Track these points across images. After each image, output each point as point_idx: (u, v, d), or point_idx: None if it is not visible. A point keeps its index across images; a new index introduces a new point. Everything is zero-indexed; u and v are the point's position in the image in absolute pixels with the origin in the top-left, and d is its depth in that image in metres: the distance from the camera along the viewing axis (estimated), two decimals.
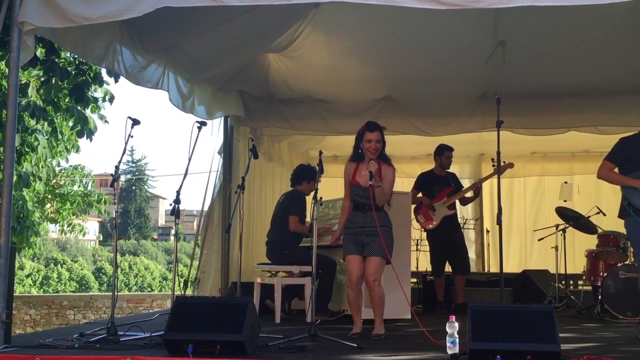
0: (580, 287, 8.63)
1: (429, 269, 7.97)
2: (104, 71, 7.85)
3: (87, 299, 15.08)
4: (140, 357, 3.88)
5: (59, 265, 32.47)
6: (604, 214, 7.67)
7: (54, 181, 12.88)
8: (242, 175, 5.76)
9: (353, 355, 4.16)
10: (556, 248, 7.70)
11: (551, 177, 10.79)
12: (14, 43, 4.53)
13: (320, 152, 5.32)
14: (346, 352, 4.28)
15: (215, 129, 7.93)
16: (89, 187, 13.26)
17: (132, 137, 5.00)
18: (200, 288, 7.63)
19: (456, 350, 4.02)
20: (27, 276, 30.05)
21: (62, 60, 8.00)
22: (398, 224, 5.52)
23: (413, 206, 7.35)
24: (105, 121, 10.61)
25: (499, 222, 5.10)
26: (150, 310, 13.40)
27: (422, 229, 7.91)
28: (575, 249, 8.70)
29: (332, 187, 7.30)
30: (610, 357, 3.95)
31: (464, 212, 9.86)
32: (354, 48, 7.08)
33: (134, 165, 55.53)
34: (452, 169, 8.00)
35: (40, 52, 7.12)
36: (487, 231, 10.42)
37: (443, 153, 7.72)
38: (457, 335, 4.04)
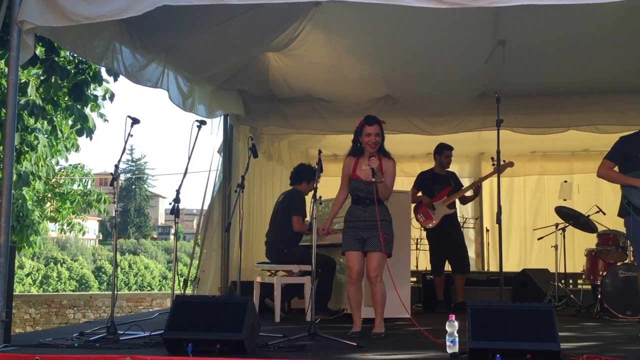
0: (579, 286, 8.63)
1: (429, 268, 7.97)
2: (103, 70, 7.85)
3: (86, 298, 15.07)
4: (140, 356, 3.88)
5: (58, 265, 32.47)
6: (604, 213, 7.67)
7: (53, 180, 12.88)
8: (242, 174, 5.75)
9: (353, 354, 4.16)
10: (556, 247, 7.71)
11: (551, 176, 10.79)
12: (13, 42, 4.53)
13: (320, 151, 5.32)
14: (346, 351, 4.28)
15: (215, 128, 7.95)
16: (89, 186, 13.26)
17: (131, 136, 5.00)
18: (200, 287, 7.63)
19: (456, 349, 4.02)
20: (27, 275, 30.05)
21: (62, 59, 8.00)
22: (398, 223, 5.52)
23: (413, 205, 7.35)
24: (105, 120, 10.62)
25: (499, 221, 5.10)
26: (150, 310, 13.39)
27: (422, 228, 7.91)
28: (575, 248, 8.72)
29: (331, 186, 7.26)
30: (610, 356, 3.95)
31: (464, 211, 9.87)
32: (353, 47, 7.07)
33: (133, 164, 55.52)
34: (452, 168, 8.00)
35: (39, 51, 7.12)
36: (487, 230, 10.43)
37: (443, 152, 7.73)
38: (456, 334, 4.04)
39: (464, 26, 6.25)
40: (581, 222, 7.77)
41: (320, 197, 5.23)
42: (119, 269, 31.03)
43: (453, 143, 7.83)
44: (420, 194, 7.72)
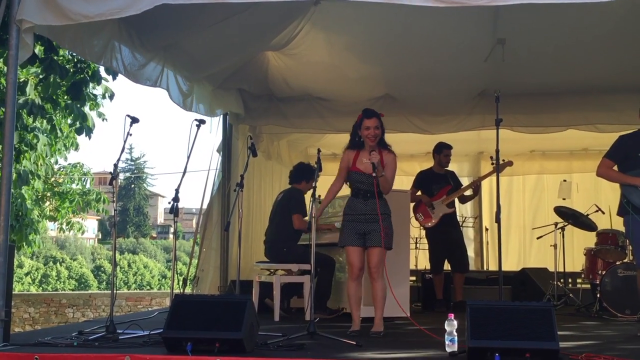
0: (579, 285, 8.64)
1: (428, 267, 7.98)
2: (102, 68, 7.85)
3: (86, 297, 15.08)
4: (139, 355, 3.88)
5: (58, 264, 32.46)
6: (603, 212, 7.68)
7: (52, 179, 12.87)
8: (241, 173, 5.75)
9: (352, 353, 4.16)
10: (555, 246, 7.71)
11: (550, 175, 10.80)
12: (12, 41, 4.52)
13: (319, 150, 5.31)
14: (345, 350, 4.28)
15: (214, 127, 7.95)
16: (88, 185, 13.25)
17: (130, 135, 4.99)
18: (199, 286, 7.64)
19: (455, 348, 4.02)
20: (26, 274, 30.04)
21: (61, 57, 8.00)
22: (397, 222, 5.52)
23: (412, 204, 7.35)
24: (104, 119, 10.61)
25: (498, 220, 5.10)
26: (149, 309, 13.39)
27: (421, 227, 7.92)
28: (574, 247, 8.72)
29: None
30: (609, 355, 3.96)
31: (463, 210, 9.87)
32: (353, 46, 7.07)
33: (132, 163, 55.52)
34: (451, 167, 8.00)
35: (38, 50, 7.12)
36: (486, 229, 10.43)
37: (442, 151, 7.73)
38: (455, 333, 4.05)
39: (463, 25, 6.25)
40: (580, 220, 7.78)
41: (319, 196, 5.23)
42: (118, 268, 31.07)
43: (452, 142, 7.83)
44: (419, 193, 7.72)
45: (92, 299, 14.79)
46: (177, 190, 5.20)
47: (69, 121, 10.24)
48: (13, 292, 5.02)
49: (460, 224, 8.32)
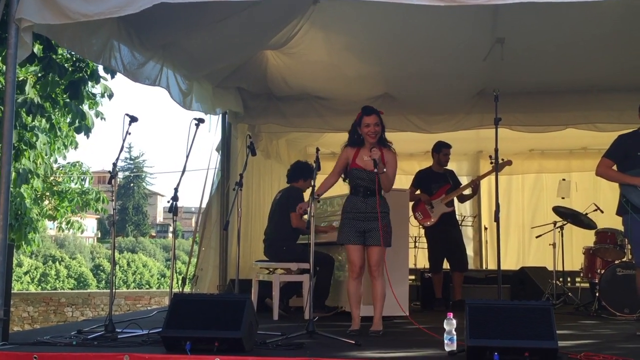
0: (577, 284, 8.64)
1: (427, 266, 7.98)
2: (100, 67, 7.85)
3: (85, 296, 15.07)
4: (138, 354, 3.88)
5: (57, 263, 32.46)
6: (602, 211, 7.68)
7: (51, 178, 12.87)
8: (240, 172, 5.76)
9: (351, 352, 4.16)
10: (554, 245, 7.71)
11: (549, 175, 10.81)
12: (11, 40, 4.52)
13: (317, 149, 5.31)
14: (344, 349, 4.28)
15: (213, 126, 7.95)
16: (87, 184, 13.24)
17: (129, 134, 4.99)
18: (198, 285, 7.64)
19: (454, 347, 4.02)
20: (25, 273, 30.04)
21: (59, 56, 7.99)
22: (396, 221, 5.52)
23: (411, 203, 7.35)
24: (102, 118, 10.60)
25: (497, 220, 5.11)
26: (149, 308, 13.39)
27: (420, 226, 7.92)
28: (573, 246, 8.72)
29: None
30: (608, 354, 3.96)
31: (462, 210, 9.88)
32: (352, 45, 7.07)
33: (132, 162, 55.51)
34: (450, 166, 8.00)
35: (37, 48, 7.11)
36: (485, 228, 10.43)
37: (441, 150, 7.73)
38: (454, 332, 4.05)
39: (462, 24, 6.25)
40: (579, 219, 7.78)
41: (318, 195, 5.22)
42: (117, 267, 31.13)
43: (451, 141, 7.83)
44: (418, 192, 7.72)
45: (91, 298, 14.78)
46: (176, 189, 5.20)
47: (68, 120, 10.23)
48: (12, 291, 5.02)
49: (460, 223, 8.32)
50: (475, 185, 7.86)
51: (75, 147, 11.50)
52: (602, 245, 7.26)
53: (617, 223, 5.88)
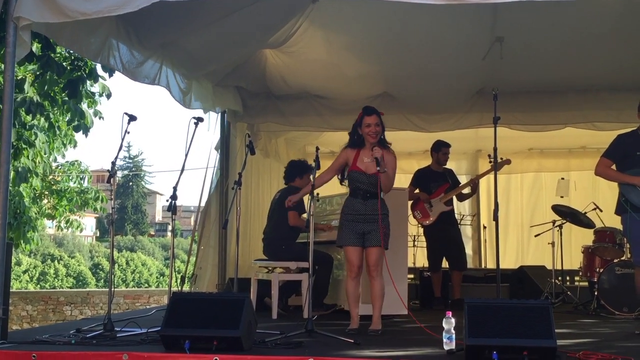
0: (576, 283, 8.64)
1: (426, 265, 7.98)
2: (99, 66, 7.84)
3: (84, 294, 15.05)
4: (137, 353, 3.88)
5: (55, 261, 32.44)
6: (601, 210, 7.68)
7: (50, 177, 12.86)
8: (239, 171, 5.75)
9: (350, 351, 4.16)
10: (553, 244, 7.71)
11: (548, 174, 10.81)
12: (10, 38, 4.51)
13: (317, 148, 5.31)
14: (343, 347, 4.28)
15: (212, 125, 7.95)
16: (85, 184, 13.23)
17: (128, 133, 4.99)
18: (197, 284, 7.63)
19: (453, 346, 4.02)
20: (24, 272, 30.01)
21: (58, 55, 7.98)
22: (395, 220, 5.52)
23: (410, 202, 7.35)
24: (101, 117, 10.58)
25: (496, 218, 5.11)
26: (147, 306, 13.38)
27: (419, 225, 7.92)
28: (572, 245, 8.73)
29: (328, 182, 7.32)
30: (606, 353, 3.96)
31: (461, 208, 9.89)
32: (351, 44, 7.07)
33: (130, 161, 55.50)
34: (449, 165, 8.00)
35: (36, 47, 7.10)
36: (484, 227, 10.44)
37: (440, 149, 7.72)
38: (453, 331, 4.05)
39: (461, 23, 6.25)
40: (578, 218, 7.78)
41: (317, 193, 5.23)
42: (116, 266, 31.14)
43: (450, 140, 7.83)
44: (417, 191, 7.72)
45: (90, 297, 14.77)
46: (175, 188, 5.19)
47: (67, 119, 10.22)
48: (11, 290, 5.01)
49: (458, 221, 8.32)
50: (474, 184, 7.87)
51: (74, 146, 11.49)
52: (601, 244, 7.27)
53: (616, 222, 5.89)
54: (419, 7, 4.27)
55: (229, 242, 7.79)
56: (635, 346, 4.76)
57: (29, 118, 9.60)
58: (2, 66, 5.15)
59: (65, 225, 13.39)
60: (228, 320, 3.99)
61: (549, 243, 7.77)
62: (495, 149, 5.30)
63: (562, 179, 9.33)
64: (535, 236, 8.35)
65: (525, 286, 8.27)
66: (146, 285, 32.52)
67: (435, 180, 7.71)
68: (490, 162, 5.60)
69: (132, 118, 4.98)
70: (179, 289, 6.30)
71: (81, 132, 9.12)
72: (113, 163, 4.89)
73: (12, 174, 8.77)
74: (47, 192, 12.80)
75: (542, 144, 10.44)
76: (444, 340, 4.05)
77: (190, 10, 5.27)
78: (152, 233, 52.35)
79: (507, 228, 10.70)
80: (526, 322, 3.81)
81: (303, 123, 8.63)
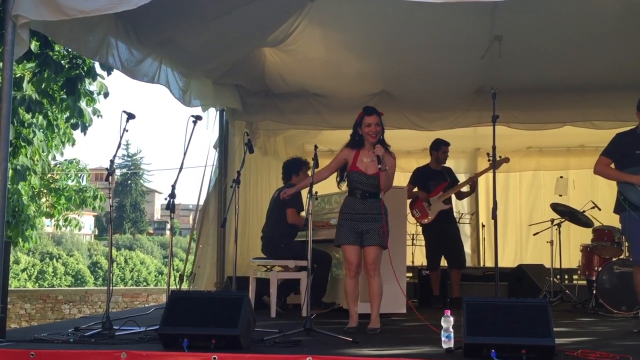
0: (575, 282, 8.65)
1: (425, 263, 7.98)
2: (97, 64, 7.83)
3: (82, 293, 15.03)
4: (135, 351, 3.87)
5: (54, 260, 32.39)
6: (599, 209, 7.69)
7: (49, 175, 12.84)
8: (238, 169, 5.75)
9: (348, 350, 4.16)
10: (551, 243, 7.72)
11: (547, 172, 10.81)
12: (8, 37, 4.51)
13: (316, 147, 5.31)
14: (342, 346, 4.28)
15: (210, 123, 7.94)
16: (84, 182, 13.22)
17: (127, 131, 4.98)
18: (196, 282, 7.63)
19: (451, 344, 4.03)
20: (23, 270, 29.98)
21: (56, 53, 7.96)
22: (394, 219, 5.52)
23: (409, 201, 7.35)
24: (99, 115, 10.57)
25: (495, 217, 5.11)
26: (146, 305, 13.38)
27: (418, 224, 7.92)
28: (571, 243, 8.73)
29: (327, 181, 7.29)
30: (605, 351, 3.96)
31: (460, 207, 9.89)
32: (350, 42, 7.06)
33: (129, 159, 55.42)
34: (448, 163, 8.00)
35: (34, 45, 7.09)
36: (483, 226, 10.44)
37: (440, 148, 7.72)
38: (452, 330, 4.05)
39: (460, 22, 6.25)
40: (577, 217, 7.79)
41: (316, 192, 5.23)
42: (114, 264, 31.14)
43: (449, 139, 7.83)
44: (416, 189, 7.72)
45: (88, 295, 14.75)
46: (173, 187, 5.19)
47: (65, 116, 10.21)
48: (9, 288, 5.01)
49: (457, 220, 8.33)
50: (472, 182, 7.87)
51: (73, 144, 11.47)
52: (599, 242, 7.27)
53: (614, 221, 5.89)
54: (417, 5, 4.27)
55: (228, 241, 7.78)
56: (634, 345, 4.77)
57: (27, 116, 9.58)
58: (1, 64, 5.14)
59: (63, 223, 13.37)
60: (226, 318, 3.99)
61: (547, 242, 7.78)
62: (494, 148, 5.29)
63: (561, 177, 9.33)
64: (534, 235, 8.36)
65: (523, 285, 8.28)
66: (145, 283, 32.51)
67: (434, 179, 7.71)
68: (488, 160, 5.59)
69: (130, 116, 4.97)
70: (178, 287, 6.30)
71: (80, 130, 9.11)
72: (112, 161, 4.88)
73: (10, 172, 8.76)
74: (45, 191, 12.78)
75: (541, 142, 10.44)
76: (443, 338, 4.06)
77: (189, 8, 5.27)
78: (151, 231, 52.32)
79: (506, 226, 10.71)
80: (525, 320, 3.81)
81: (302, 121, 8.62)
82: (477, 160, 10.77)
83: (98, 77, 8.50)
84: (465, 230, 10.40)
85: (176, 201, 5.17)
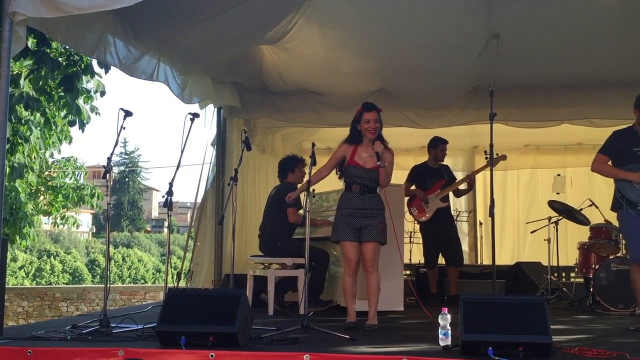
0: (572, 279, 8.66)
1: (422, 261, 7.99)
2: (94, 62, 7.82)
3: (80, 290, 15.04)
4: (133, 349, 3.87)
5: (52, 257, 32.39)
6: (597, 207, 7.70)
7: (46, 173, 12.82)
8: (235, 167, 5.75)
9: (346, 347, 4.16)
10: (549, 240, 7.73)
11: (544, 170, 10.82)
12: (5, 34, 4.49)
13: (313, 144, 5.30)
14: (339, 343, 4.28)
15: (208, 121, 7.93)
16: (81, 180, 13.19)
17: (124, 128, 4.98)
18: (193, 280, 7.63)
19: (448, 342, 4.03)
20: (20, 268, 29.97)
21: (53, 50, 7.95)
22: (391, 217, 5.51)
23: (406, 198, 7.35)
24: (97, 113, 10.55)
25: (492, 215, 5.11)
26: (143, 302, 13.39)
27: (416, 222, 7.92)
28: (568, 241, 8.74)
29: (326, 179, 7.33)
30: (601, 349, 3.97)
31: (457, 205, 9.88)
32: (347, 40, 7.06)
33: (127, 157, 55.38)
34: (446, 161, 8.00)
35: (31, 42, 7.07)
36: (480, 223, 10.44)
37: (438, 146, 7.72)
38: (449, 327, 4.06)
39: (458, 20, 6.25)
40: (574, 215, 7.80)
41: (313, 190, 5.22)
42: (112, 262, 31.11)
43: (447, 136, 7.83)
44: (413, 187, 7.72)
45: (86, 293, 14.75)
46: (171, 184, 5.19)
47: (63, 114, 10.19)
48: (6, 286, 5.01)
49: (455, 218, 8.33)
50: (470, 180, 7.87)
51: (70, 142, 11.46)
52: (596, 240, 7.28)
53: (612, 218, 5.89)
54: (415, 3, 4.27)
55: (225, 238, 7.78)
56: (630, 342, 4.78)
57: (24, 113, 9.57)
58: None
59: (61, 221, 13.35)
60: (224, 316, 3.99)
61: (545, 239, 7.79)
62: (491, 145, 5.29)
63: (558, 175, 9.33)
64: (531, 232, 8.37)
65: (521, 282, 8.29)
66: (142, 281, 32.50)
67: (431, 177, 7.71)
68: (486, 158, 5.59)
69: (128, 114, 4.96)
70: (175, 285, 6.30)
71: (77, 127, 9.09)
72: (109, 159, 4.87)
73: (7, 169, 8.75)
74: (43, 188, 12.77)
75: (539, 140, 10.45)
76: (440, 336, 4.06)
77: (186, 5, 5.26)
78: (149, 229, 52.30)
79: (503, 224, 10.71)
80: (522, 318, 3.82)
81: (299, 119, 8.62)
82: (475, 158, 10.78)
83: (95, 76, 8.50)
84: (463, 227, 10.40)
85: (174, 199, 5.18)
